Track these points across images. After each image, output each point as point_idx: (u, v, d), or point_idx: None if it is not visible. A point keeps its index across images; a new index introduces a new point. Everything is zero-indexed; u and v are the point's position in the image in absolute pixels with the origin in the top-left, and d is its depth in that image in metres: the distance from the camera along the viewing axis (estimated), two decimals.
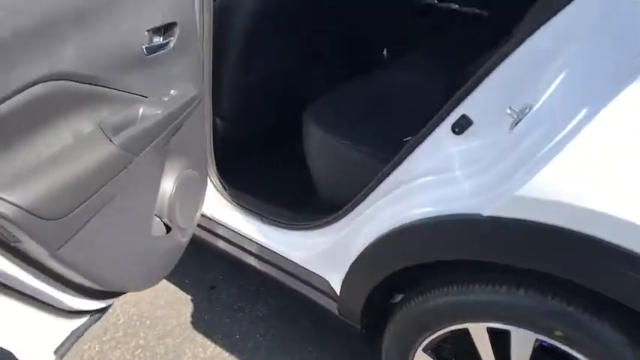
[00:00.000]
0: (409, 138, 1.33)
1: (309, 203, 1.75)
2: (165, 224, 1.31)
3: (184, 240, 1.42)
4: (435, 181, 1.08)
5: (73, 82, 0.89)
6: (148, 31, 1.09)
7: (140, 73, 1.09)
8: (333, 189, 1.63)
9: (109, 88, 1.00)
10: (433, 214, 1.04)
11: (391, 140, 1.48)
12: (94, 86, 0.96)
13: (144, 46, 1.08)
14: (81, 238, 0.95)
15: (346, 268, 1.32)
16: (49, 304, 1.11)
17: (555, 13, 0.90)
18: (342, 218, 1.36)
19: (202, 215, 1.64)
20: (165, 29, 1.17)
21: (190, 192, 1.41)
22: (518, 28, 1.08)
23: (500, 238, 0.96)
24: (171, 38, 1.18)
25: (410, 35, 2.86)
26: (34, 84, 0.80)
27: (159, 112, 1.10)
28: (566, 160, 0.85)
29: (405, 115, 1.72)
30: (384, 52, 2.82)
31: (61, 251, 0.91)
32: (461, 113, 1.04)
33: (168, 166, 1.27)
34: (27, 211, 0.80)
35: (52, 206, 0.85)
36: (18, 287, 1.01)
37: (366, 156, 1.48)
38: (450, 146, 1.08)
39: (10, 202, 0.78)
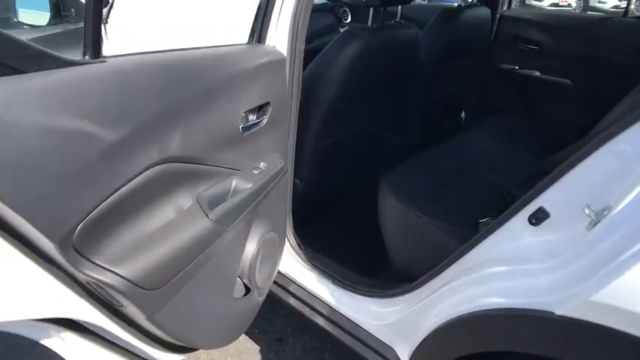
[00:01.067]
0: (485, 220, 1.35)
1: (380, 268, 1.78)
2: (245, 285, 1.39)
3: (261, 299, 1.50)
4: (509, 271, 1.09)
5: (177, 164, 1.00)
6: (245, 112, 1.21)
7: (235, 150, 1.20)
8: (406, 258, 1.66)
9: (207, 165, 1.10)
10: (506, 306, 1.05)
11: (465, 215, 1.50)
12: (195, 165, 1.06)
13: (240, 126, 1.19)
14: (173, 303, 1.04)
15: (415, 343, 1.33)
16: (135, 355, 1.21)
17: None
18: (413, 291, 1.39)
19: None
20: (259, 108, 1.29)
21: (270, 253, 1.49)
22: (603, 126, 1.09)
23: (573, 339, 0.95)
24: (265, 116, 1.29)
25: (489, 99, 2.88)
26: (146, 169, 0.91)
27: (249, 185, 1.20)
28: None
29: (480, 189, 1.74)
30: (462, 115, 2.86)
31: (156, 315, 1.00)
32: (539, 205, 1.06)
33: (252, 230, 1.36)
34: (132, 282, 0.90)
35: (153, 278, 0.95)
36: (112, 339, 1.12)
37: (438, 230, 1.51)
38: (525, 237, 1.09)
39: (119, 275, 0.88)
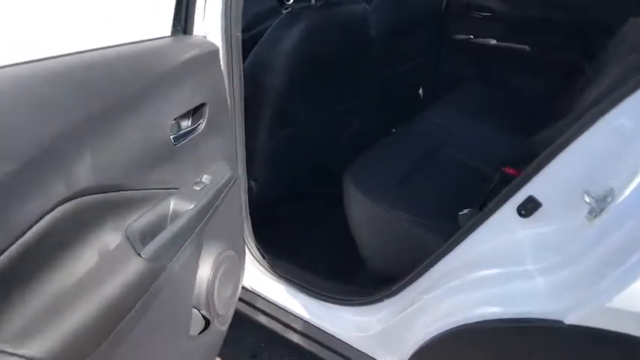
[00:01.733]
0: (465, 212, 1.21)
1: (354, 273, 1.64)
2: (203, 316, 1.21)
3: (224, 328, 1.32)
4: (502, 273, 0.95)
5: (94, 195, 0.79)
6: (175, 119, 1.01)
7: (168, 165, 1.00)
8: (381, 259, 1.52)
9: (134, 190, 0.91)
10: (504, 316, 0.91)
11: (441, 207, 1.36)
12: (118, 192, 0.86)
13: (171, 136, 0.99)
14: None
15: (403, 356, 1.19)
16: None
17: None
18: (394, 296, 1.25)
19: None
20: (194, 111, 1.09)
21: (229, 274, 1.30)
22: (594, 100, 0.95)
23: (588, 351, 0.82)
24: (202, 120, 1.10)
25: (446, 72, 2.76)
26: (51, 210, 0.71)
27: (191, 205, 1.01)
28: None
29: (453, 174, 1.61)
30: (420, 92, 2.72)
31: None
32: (528, 194, 0.92)
33: (204, 254, 1.17)
34: None
35: (76, 348, 0.74)
36: None
37: (413, 225, 1.36)
38: (515, 231, 0.95)
39: (19, 356, 0.66)
